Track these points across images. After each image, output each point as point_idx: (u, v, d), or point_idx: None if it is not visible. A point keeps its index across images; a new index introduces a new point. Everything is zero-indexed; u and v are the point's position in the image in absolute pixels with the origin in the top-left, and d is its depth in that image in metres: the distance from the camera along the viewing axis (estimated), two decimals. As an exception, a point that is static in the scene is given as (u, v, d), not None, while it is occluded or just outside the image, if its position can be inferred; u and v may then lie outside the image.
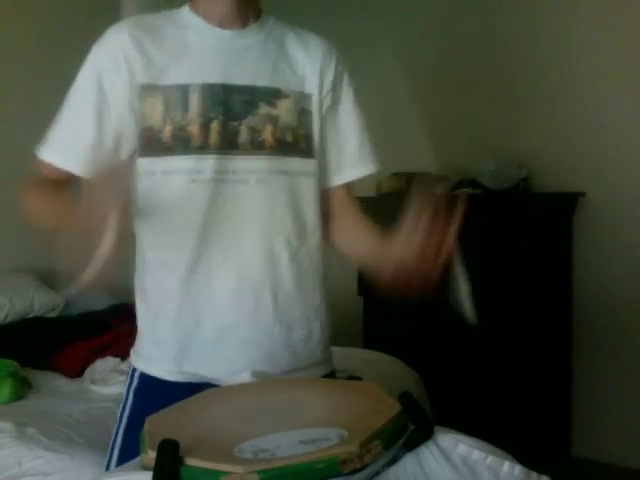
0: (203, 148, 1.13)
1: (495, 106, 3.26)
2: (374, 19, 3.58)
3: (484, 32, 3.26)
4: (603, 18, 2.93)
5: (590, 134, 2.99)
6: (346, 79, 1.28)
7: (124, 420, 1.21)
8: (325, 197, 1.29)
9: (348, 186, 1.32)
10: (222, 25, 1.17)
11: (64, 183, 1.18)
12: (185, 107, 1.13)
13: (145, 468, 0.75)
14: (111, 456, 1.21)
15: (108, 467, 1.20)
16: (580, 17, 3.00)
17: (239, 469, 0.68)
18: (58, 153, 1.17)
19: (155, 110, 1.13)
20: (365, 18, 3.59)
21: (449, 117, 3.39)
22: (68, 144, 1.17)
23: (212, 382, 1.14)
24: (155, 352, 1.22)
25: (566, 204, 3.01)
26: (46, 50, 3.25)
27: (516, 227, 2.88)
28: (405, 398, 0.81)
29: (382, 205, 3.12)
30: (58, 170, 1.18)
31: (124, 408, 1.23)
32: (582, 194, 2.99)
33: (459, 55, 3.33)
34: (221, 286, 1.15)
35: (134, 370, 1.25)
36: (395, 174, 3.21)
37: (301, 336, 1.24)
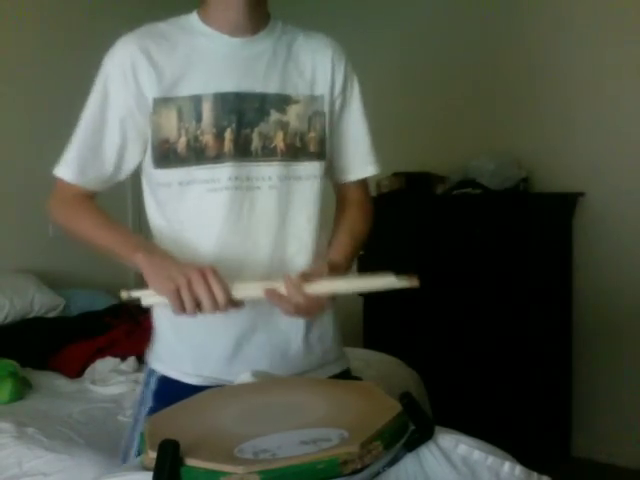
0: (218, 157, 1.15)
1: (495, 106, 3.26)
2: (374, 18, 3.58)
3: (484, 32, 3.26)
4: (603, 18, 2.93)
5: (590, 134, 2.99)
6: (355, 79, 1.29)
7: (140, 425, 1.22)
8: (337, 193, 1.33)
9: (355, 184, 1.34)
10: (232, 33, 1.17)
11: (90, 194, 1.23)
12: (198, 117, 1.14)
13: (145, 468, 0.75)
14: (127, 457, 1.22)
15: None
16: (580, 17, 2.99)
17: (240, 469, 0.68)
18: (73, 171, 1.20)
19: (170, 122, 1.14)
20: (365, 17, 3.59)
21: (449, 117, 3.39)
22: (80, 162, 1.19)
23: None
24: (174, 355, 1.23)
25: (566, 204, 3.01)
26: (49, 54, 3.25)
27: (516, 227, 2.88)
28: (406, 398, 0.82)
29: (382, 205, 3.14)
30: (75, 186, 1.21)
31: (141, 410, 1.24)
32: (582, 194, 2.99)
33: (459, 55, 3.33)
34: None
35: (152, 372, 1.26)
36: (395, 174, 3.21)
37: (316, 336, 1.26)
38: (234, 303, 1.05)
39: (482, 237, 2.91)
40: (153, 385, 1.24)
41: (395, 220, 3.09)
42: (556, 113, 3.07)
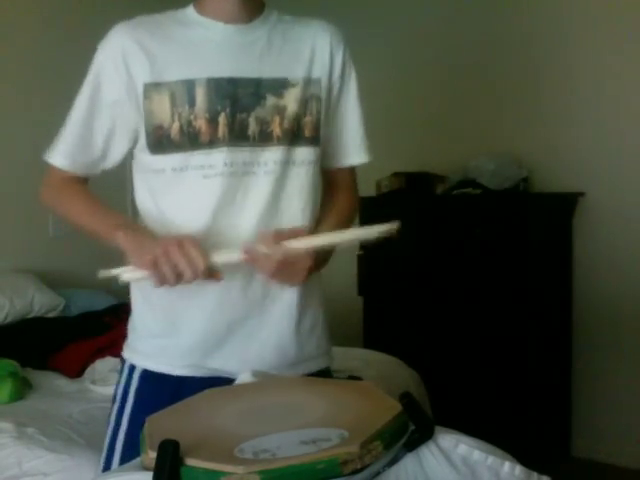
0: (212, 142, 1.14)
1: (495, 106, 3.26)
2: (373, 17, 3.58)
3: (484, 31, 3.26)
4: (603, 18, 2.93)
5: (590, 134, 2.99)
6: (353, 65, 1.28)
7: (124, 422, 1.21)
8: (325, 177, 1.31)
9: (345, 170, 1.33)
10: (227, 21, 1.17)
11: (82, 180, 1.25)
12: (192, 102, 1.14)
13: (145, 468, 0.75)
14: (111, 459, 1.21)
15: (107, 470, 1.19)
16: (580, 17, 2.99)
17: (240, 469, 0.68)
18: (63, 156, 1.22)
19: (162, 107, 1.14)
20: (364, 17, 3.59)
21: (449, 117, 3.39)
22: (69, 147, 1.21)
23: (221, 375, 1.14)
24: (159, 347, 1.22)
25: (566, 204, 3.01)
26: (48, 47, 3.25)
27: (516, 227, 2.88)
28: (405, 398, 0.81)
29: (382, 205, 3.14)
30: (64, 172, 1.24)
31: (122, 409, 1.22)
32: (582, 194, 2.99)
33: (459, 55, 3.33)
34: (230, 279, 1.15)
35: (132, 369, 1.24)
36: (395, 174, 3.21)
37: (307, 327, 1.25)
38: (213, 272, 1.05)
39: (482, 237, 2.91)
40: (135, 382, 1.22)
41: (395, 220, 3.08)
42: (556, 113, 3.07)
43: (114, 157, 1.22)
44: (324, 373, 1.28)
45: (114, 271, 1.07)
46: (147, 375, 1.22)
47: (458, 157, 3.21)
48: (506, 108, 3.22)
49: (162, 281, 1.03)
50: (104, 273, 1.06)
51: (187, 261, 1.02)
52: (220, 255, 1.06)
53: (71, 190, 1.24)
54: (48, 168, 1.24)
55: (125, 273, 1.08)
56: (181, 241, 1.03)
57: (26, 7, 3.19)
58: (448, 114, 3.39)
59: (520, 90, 3.18)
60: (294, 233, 1.09)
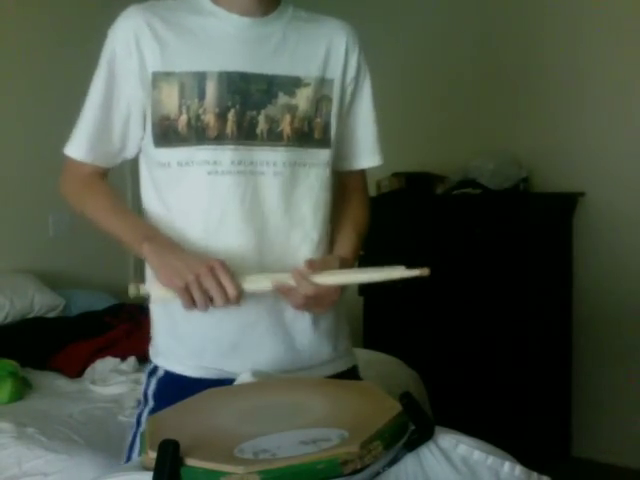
0: (219, 138, 1.12)
1: (495, 106, 3.26)
2: (373, 19, 3.58)
3: (484, 32, 3.26)
4: (603, 18, 2.93)
5: (590, 134, 2.99)
6: (367, 67, 1.27)
7: (143, 423, 1.20)
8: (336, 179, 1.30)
9: (357, 173, 1.33)
10: (242, 13, 1.15)
11: (101, 172, 1.22)
12: (202, 95, 1.11)
13: (145, 468, 0.75)
14: (129, 459, 1.20)
15: None
16: (580, 17, 2.99)
17: (240, 469, 0.68)
18: (82, 147, 1.18)
19: (171, 97, 1.12)
20: (364, 18, 3.59)
21: (449, 117, 3.39)
22: (88, 137, 1.18)
23: (233, 377, 1.13)
24: (175, 348, 1.21)
25: (566, 204, 3.01)
26: (46, 46, 3.24)
27: (516, 227, 2.88)
28: (405, 398, 0.81)
29: (382, 205, 3.14)
30: (85, 165, 1.20)
31: (142, 411, 1.22)
32: (582, 194, 2.99)
33: (459, 55, 3.33)
34: None
35: (154, 370, 1.24)
36: (395, 174, 3.21)
37: (325, 328, 1.23)
38: (243, 296, 1.04)
39: (482, 237, 2.91)
40: (154, 385, 1.22)
41: (395, 220, 3.09)
42: (556, 113, 3.07)
43: (133, 146, 1.19)
44: (348, 374, 1.27)
45: (143, 289, 1.06)
46: (166, 376, 1.21)
47: (458, 157, 3.21)
48: (506, 108, 3.22)
49: (192, 305, 1.02)
50: (134, 290, 1.04)
51: (219, 288, 1.01)
52: (250, 283, 1.05)
53: (93, 187, 1.20)
54: (66, 162, 1.20)
55: (155, 294, 1.07)
56: (213, 266, 1.02)
57: (24, 2, 3.18)
58: (448, 114, 3.38)
59: (520, 90, 3.18)
60: (325, 264, 1.09)
